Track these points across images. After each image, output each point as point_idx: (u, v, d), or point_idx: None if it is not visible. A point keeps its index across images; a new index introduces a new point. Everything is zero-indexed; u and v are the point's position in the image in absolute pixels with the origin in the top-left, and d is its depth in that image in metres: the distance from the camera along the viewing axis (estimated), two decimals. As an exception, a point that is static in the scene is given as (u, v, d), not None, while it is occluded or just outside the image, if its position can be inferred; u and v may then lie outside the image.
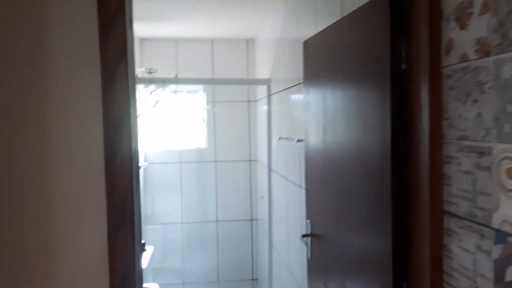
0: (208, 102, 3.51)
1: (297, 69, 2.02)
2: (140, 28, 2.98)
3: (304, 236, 1.63)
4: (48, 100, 1.02)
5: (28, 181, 1.01)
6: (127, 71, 1.09)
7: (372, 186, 1.16)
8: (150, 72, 2.98)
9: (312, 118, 1.64)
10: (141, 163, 3.16)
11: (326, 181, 1.51)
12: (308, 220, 1.67)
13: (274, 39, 2.74)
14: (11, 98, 1.00)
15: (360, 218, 1.24)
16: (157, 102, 3.24)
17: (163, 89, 3.02)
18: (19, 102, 1.00)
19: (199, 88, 3.50)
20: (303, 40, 1.73)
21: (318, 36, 1.58)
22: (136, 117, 1.14)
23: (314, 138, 1.62)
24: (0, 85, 0.99)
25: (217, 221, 3.51)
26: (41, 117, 1.01)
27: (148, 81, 2.83)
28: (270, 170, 2.87)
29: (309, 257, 1.66)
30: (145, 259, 2.64)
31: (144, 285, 2.62)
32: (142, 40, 3.33)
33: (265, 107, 2.96)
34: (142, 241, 1.19)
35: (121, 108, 1.07)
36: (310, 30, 1.75)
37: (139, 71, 2.99)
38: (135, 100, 1.14)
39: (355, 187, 1.27)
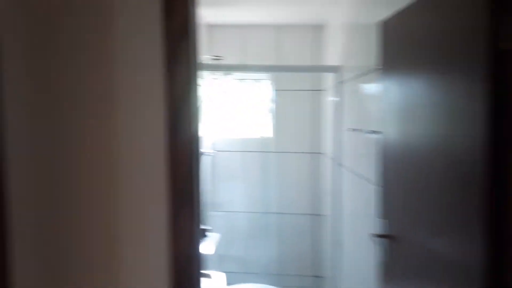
0: (274, 90, 3.43)
1: (370, 55, 1.86)
2: (208, 14, 2.97)
3: (376, 236, 1.49)
4: (110, 75, 1.00)
5: (91, 158, 1.01)
6: (190, 47, 1.04)
7: (461, 185, 1.01)
8: (216, 59, 2.96)
9: (390, 108, 1.49)
10: (209, 150, 3.18)
11: (405, 177, 1.36)
12: (382, 220, 1.53)
13: (344, 24, 2.58)
14: (74, 71, 0.99)
15: (446, 221, 1.09)
16: (223, 89, 3.24)
17: (229, 77, 3.01)
18: (81, 75, 0.99)
19: (265, 76, 3.44)
20: (380, 21, 1.58)
21: (399, 15, 1.42)
22: (197, 97, 1.09)
23: (393, 130, 1.47)
24: (66, 58, 0.99)
25: (279, 213, 3.44)
26: (103, 91, 1.00)
27: (214, 68, 2.82)
28: (337, 163, 2.74)
29: (383, 260, 1.53)
30: (212, 246, 2.64)
31: (210, 272, 2.63)
32: (209, 26, 3.33)
33: (334, 97, 2.81)
34: (205, 227, 1.15)
35: (183, 86, 1.03)
36: (387, 11, 1.58)
37: (206, 57, 2.99)
38: (196, 79, 1.09)
39: (441, 185, 1.11)
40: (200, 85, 1.10)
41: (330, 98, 3.02)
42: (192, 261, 1.09)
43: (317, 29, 3.35)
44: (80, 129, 1.00)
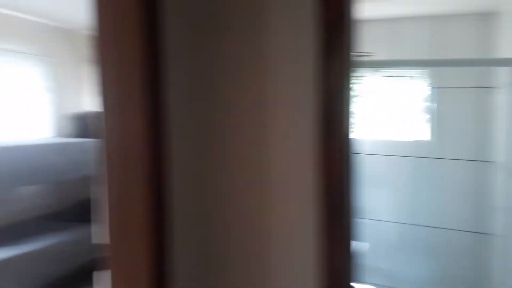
0: (431, 88, 3.07)
1: None
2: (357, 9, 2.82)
3: None
4: (263, 68, 0.96)
5: (242, 160, 0.99)
6: (345, 41, 0.95)
7: None
8: (365, 56, 2.79)
9: None
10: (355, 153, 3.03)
11: None
12: None
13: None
14: (228, 64, 0.98)
15: None
16: (373, 87, 3.04)
17: (379, 74, 2.81)
18: (235, 70, 0.98)
19: (421, 72, 3.10)
20: None
21: None
22: (350, 95, 0.98)
23: None
24: (220, 51, 0.99)
25: (433, 227, 3.06)
26: (254, 87, 0.96)
27: (367, 65, 2.64)
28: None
29: None
30: (359, 256, 2.49)
31: (358, 285, 2.48)
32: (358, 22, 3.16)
33: (511, 95, 2.35)
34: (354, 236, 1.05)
35: (337, 83, 0.93)
36: None
37: (353, 54, 2.84)
38: (350, 76, 0.98)
39: None
40: (353, 83, 1.00)
41: (505, 97, 2.54)
42: (343, 275, 1.00)
43: (485, 17, 2.86)
44: (231, 128, 0.99)
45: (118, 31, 0.84)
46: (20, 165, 2.96)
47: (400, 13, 2.98)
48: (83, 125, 3.98)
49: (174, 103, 0.94)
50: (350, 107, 0.97)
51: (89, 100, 4.67)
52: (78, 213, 3.95)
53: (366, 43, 3.10)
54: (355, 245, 1.02)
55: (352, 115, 0.98)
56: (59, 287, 3.63)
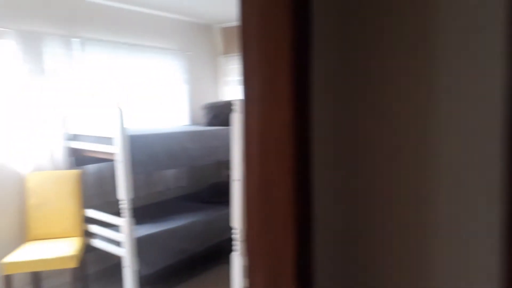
0: None
1: None
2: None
3: None
4: (430, 51, 0.80)
5: (400, 145, 0.85)
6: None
7: None
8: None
9: None
10: None
11: None
12: None
13: None
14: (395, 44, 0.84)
15: None
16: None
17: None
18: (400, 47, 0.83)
19: None
20: None
21: None
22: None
23: None
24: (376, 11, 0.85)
25: None
26: (420, 60, 0.81)
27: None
28: None
29: None
30: None
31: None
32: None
33: None
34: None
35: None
36: None
37: None
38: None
39: None
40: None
41: None
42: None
43: None
44: (388, 112, 0.85)
45: (264, 21, 0.81)
46: (160, 151, 3.24)
47: None
48: (216, 114, 4.21)
49: (321, 96, 0.85)
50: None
51: (222, 90, 4.92)
52: (212, 195, 4.23)
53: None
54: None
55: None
56: (196, 262, 3.95)
